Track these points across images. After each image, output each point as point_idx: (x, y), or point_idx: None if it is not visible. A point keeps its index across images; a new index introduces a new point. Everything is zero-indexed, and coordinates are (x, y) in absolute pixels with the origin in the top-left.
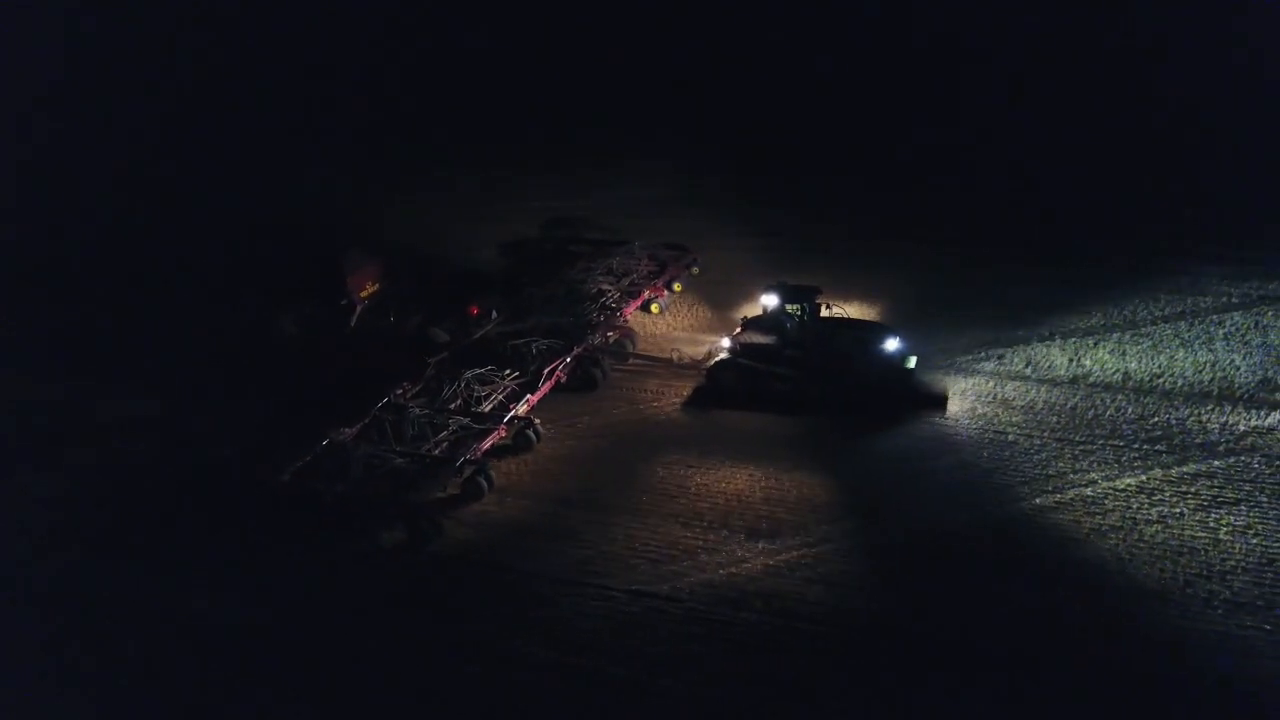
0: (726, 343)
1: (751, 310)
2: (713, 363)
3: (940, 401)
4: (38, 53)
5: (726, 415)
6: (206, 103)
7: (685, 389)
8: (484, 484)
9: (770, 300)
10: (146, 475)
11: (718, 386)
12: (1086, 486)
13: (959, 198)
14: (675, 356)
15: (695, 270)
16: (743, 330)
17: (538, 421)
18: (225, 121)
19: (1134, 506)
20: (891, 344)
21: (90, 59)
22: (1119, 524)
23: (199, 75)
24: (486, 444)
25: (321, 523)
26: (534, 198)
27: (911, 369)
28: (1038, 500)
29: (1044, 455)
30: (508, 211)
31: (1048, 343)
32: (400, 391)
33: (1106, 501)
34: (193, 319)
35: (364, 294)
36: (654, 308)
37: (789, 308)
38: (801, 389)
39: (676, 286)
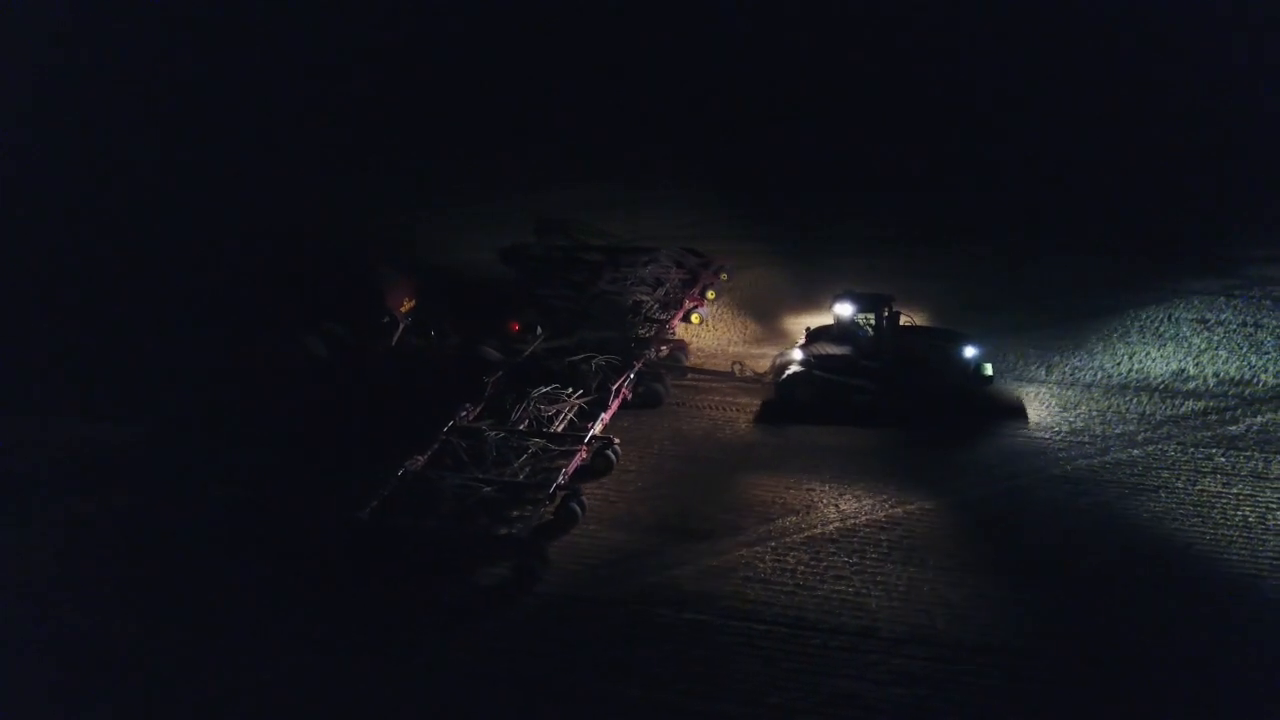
0: (798, 354)
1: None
2: (784, 376)
3: (1020, 411)
4: (41, 56)
5: (807, 430)
6: (204, 110)
7: (753, 403)
8: (578, 510)
9: (844, 309)
10: (200, 519)
11: (790, 400)
12: (1015, 479)
13: (908, 199)
14: (737, 370)
15: (725, 277)
16: (811, 341)
17: (617, 441)
18: (219, 130)
19: (1059, 497)
20: (969, 351)
21: (92, 62)
22: (1046, 514)
23: (200, 81)
24: (573, 466)
25: (414, 563)
26: (527, 200)
27: (991, 376)
28: (969, 493)
29: (972, 450)
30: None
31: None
32: (464, 413)
33: (1035, 493)
34: (210, 342)
35: (402, 311)
36: (695, 318)
37: (860, 317)
38: (881, 401)
39: (710, 294)
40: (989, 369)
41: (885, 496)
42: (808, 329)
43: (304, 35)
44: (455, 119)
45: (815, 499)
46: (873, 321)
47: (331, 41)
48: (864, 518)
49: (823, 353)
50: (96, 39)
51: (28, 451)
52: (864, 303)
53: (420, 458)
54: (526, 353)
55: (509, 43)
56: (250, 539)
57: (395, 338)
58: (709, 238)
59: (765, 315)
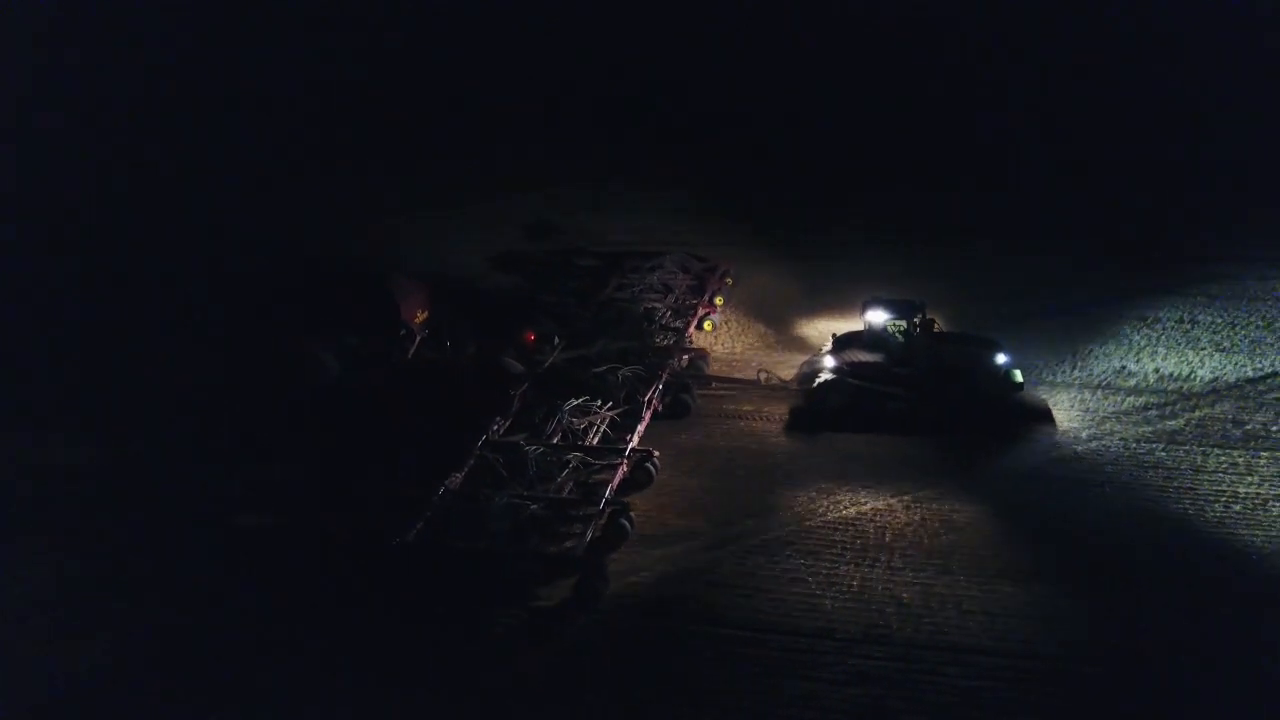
0: (830, 362)
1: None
2: (817, 383)
3: (1048, 416)
4: (36, 59)
5: (847, 439)
6: (197, 116)
7: (782, 412)
8: (628, 526)
9: (876, 316)
10: (227, 545)
11: (822, 408)
12: (963, 477)
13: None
14: (763, 378)
15: (729, 281)
16: (839, 348)
17: (656, 453)
18: (214, 139)
19: (1006, 494)
20: (1001, 358)
21: (86, 66)
22: (993, 510)
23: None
24: (617, 480)
25: (467, 587)
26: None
27: (1021, 383)
28: (920, 492)
29: (921, 449)
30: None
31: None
32: (495, 427)
33: (983, 490)
34: (212, 357)
35: (417, 322)
36: (707, 325)
37: (891, 324)
38: (916, 408)
39: (718, 300)
40: (1019, 375)
41: (840, 498)
42: (834, 335)
43: (294, 36)
44: (428, 121)
45: (774, 502)
46: (903, 328)
47: (316, 44)
48: (818, 520)
49: (855, 360)
50: (87, 43)
51: (44, 474)
52: (896, 309)
53: (457, 475)
54: (547, 364)
55: (492, 42)
56: (284, 566)
57: (412, 350)
58: (703, 242)
59: (775, 320)
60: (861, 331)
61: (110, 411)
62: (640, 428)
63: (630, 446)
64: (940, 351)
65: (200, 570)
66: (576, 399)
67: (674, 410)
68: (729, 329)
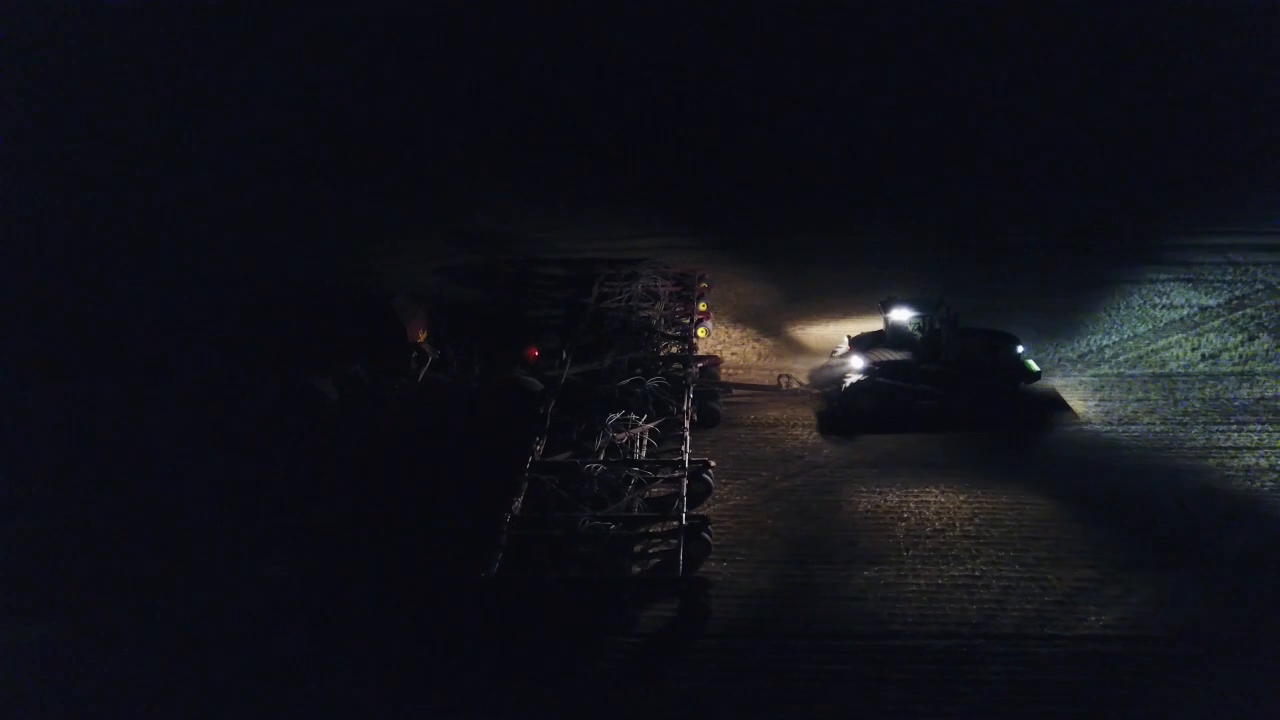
0: (858, 363)
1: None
2: (846, 385)
3: (1062, 404)
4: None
5: (881, 439)
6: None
7: (807, 415)
8: (708, 539)
9: (900, 315)
10: (306, 596)
11: (853, 409)
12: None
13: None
14: (783, 383)
15: (705, 285)
16: (863, 348)
17: (713, 463)
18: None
19: (861, 479)
20: (1019, 350)
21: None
22: (855, 492)
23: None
24: (685, 493)
25: (562, 616)
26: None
27: (1039, 372)
28: (796, 480)
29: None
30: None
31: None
32: (537, 447)
33: (835, 477)
34: (210, 392)
35: (420, 342)
36: (701, 331)
37: (912, 323)
38: (947, 404)
39: (702, 305)
40: (1035, 365)
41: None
42: (849, 337)
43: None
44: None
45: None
46: (925, 325)
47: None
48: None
49: (884, 359)
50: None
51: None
52: (919, 306)
53: (517, 500)
54: (562, 379)
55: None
56: (366, 614)
57: (422, 374)
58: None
59: (766, 326)
60: (881, 331)
61: (115, 445)
62: (689, 438)
63: (688, 458)
64: (966, 345)
65: (283, 617)
66: (615, 414)
67: (704, 419)
68: (730, 336)
